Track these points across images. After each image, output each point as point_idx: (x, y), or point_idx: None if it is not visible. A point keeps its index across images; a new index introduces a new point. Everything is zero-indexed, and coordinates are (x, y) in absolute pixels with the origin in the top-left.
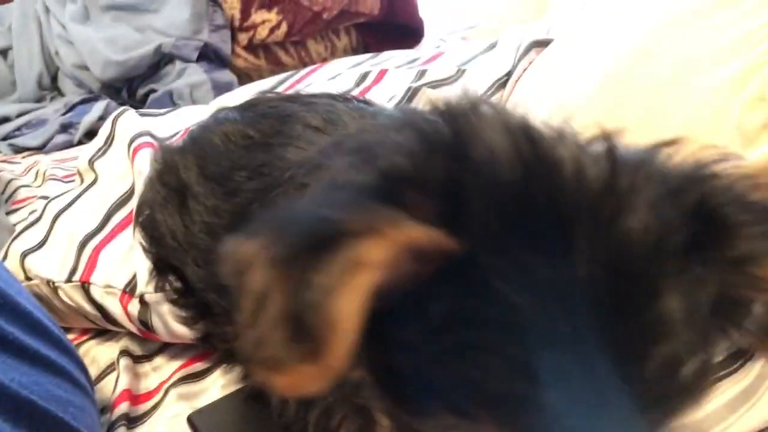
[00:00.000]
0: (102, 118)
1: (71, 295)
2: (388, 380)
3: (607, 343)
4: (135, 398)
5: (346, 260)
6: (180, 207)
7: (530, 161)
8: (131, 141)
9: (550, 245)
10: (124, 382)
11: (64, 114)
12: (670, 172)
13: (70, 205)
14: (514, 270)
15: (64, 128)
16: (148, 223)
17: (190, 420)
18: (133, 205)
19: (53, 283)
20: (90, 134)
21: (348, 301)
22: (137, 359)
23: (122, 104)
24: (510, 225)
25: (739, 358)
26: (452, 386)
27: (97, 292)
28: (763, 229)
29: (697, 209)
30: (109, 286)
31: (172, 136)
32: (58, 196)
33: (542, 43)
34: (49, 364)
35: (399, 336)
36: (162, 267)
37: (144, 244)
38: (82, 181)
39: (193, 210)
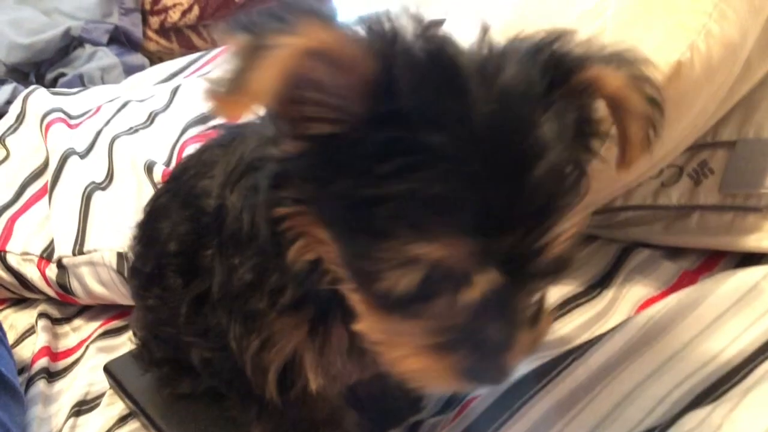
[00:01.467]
0: (9, 102)
1: None
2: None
3: (504, 159)
4: (54, 355)
5: (276, 42)
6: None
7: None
8: (43, 117)
9: (454, 96)
10: (42, 340)
11: None
12: (531, 42)
13: None
14: (431, 114)
15: None
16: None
17: (107, 368)
18: (47, 177)
19: None
20: None
21: (270, 64)
22: (56, 321)
23: None
24: (425, 88)
25: (596, 287)
26: (398, 202)
27: (13, 260)
28: (600, 58)
29: (552, 60)
30: (26, 253)
31: (84, 114)
32: None
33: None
34: None
35: (352, 165)
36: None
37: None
38: None
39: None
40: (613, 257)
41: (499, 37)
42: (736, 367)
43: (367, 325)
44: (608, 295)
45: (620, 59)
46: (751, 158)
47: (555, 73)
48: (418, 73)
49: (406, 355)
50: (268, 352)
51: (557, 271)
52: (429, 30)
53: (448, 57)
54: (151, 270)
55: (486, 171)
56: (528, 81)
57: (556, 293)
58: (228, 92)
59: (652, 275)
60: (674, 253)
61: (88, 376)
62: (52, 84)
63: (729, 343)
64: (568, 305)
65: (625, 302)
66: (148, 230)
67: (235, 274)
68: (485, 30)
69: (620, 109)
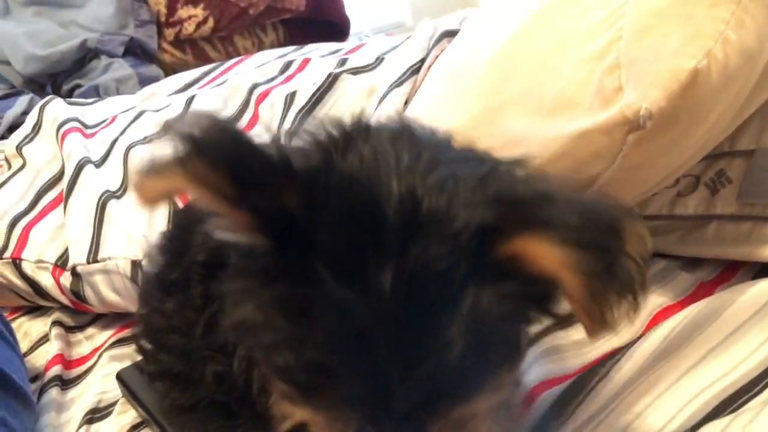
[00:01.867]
0: (25, 113)
1: (2, 272)
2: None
3: (392, 342)
4: (68, 363)
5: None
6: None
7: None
8: (59, 126)
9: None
10: (56, 348)
11: None
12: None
13: None
14: (336, 268)
15: None
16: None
17: (119, 377)
18: (62, 186)
19: None
20: (12, 129)
21: (154, 183)
22: (70, 329)
23: None
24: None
25: None
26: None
27: (28, 268)
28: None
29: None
30: (41, 261)
31: (99, 123)
32: None
33: (453, 33)
34: None
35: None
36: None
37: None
38: (9, 167)
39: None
40: None
41: (514, 43)
42: (755, 379)
43: None
44: None
45: (564, 221)
46: None
47: (488, 233)
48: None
49: None
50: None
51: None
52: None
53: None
54: (176, 277)
55: (364, 352)
56: (448, 251)
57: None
58: (137, 184)
59: (669, 285)
60: (691, 263)
61: (100, 384)
62: (68, 95)
63: (749, 355)
64: None
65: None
66: (178, 240)
67: None
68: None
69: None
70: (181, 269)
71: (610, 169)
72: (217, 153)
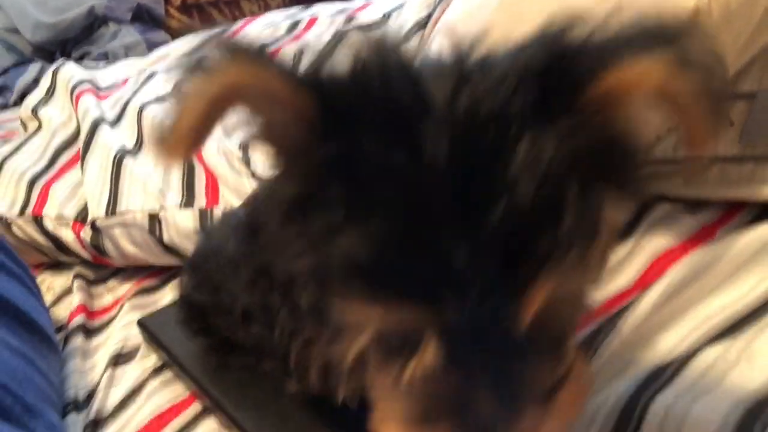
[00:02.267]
0: (36, 81)
1: (24, 228)
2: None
3: (457, 197)
4: (91, 314)
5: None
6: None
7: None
8: (73, 88)
9: (392, 130)
10: (78, 299)
11: None
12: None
13: (16, 150)
14: (366, 155)
15: None
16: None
17: (141, 323)
18: (78, 146)
19: (6, 218)
20: (24, 97)
21: (195, 102)
22: (91, 283)
23: None
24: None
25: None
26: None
27: (49, 224)
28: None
29: (551, 69)
30: (61, 217)
31: (112, 86)
32: (3, 144)
33: None
34: (8, 270)
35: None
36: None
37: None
38: (26, 129)
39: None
40: (633, 210)
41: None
42: (755, 310)
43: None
44: (627, 246)
45: (648, 39)
46: None
47: (556, 86)
48: (349, 105)
49: (392, 428)
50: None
51: (550, 340)
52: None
53: (383, 82)
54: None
55: (431, 223)
56: (502, 104)
57: None
58: (161, 139)
59: (672, 228)
60: (694, 206)
61: (123, 331)
62: (78, 62)
63: (748, 291)
64: None
65: (644, 253)
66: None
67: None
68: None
69: (672, 104)
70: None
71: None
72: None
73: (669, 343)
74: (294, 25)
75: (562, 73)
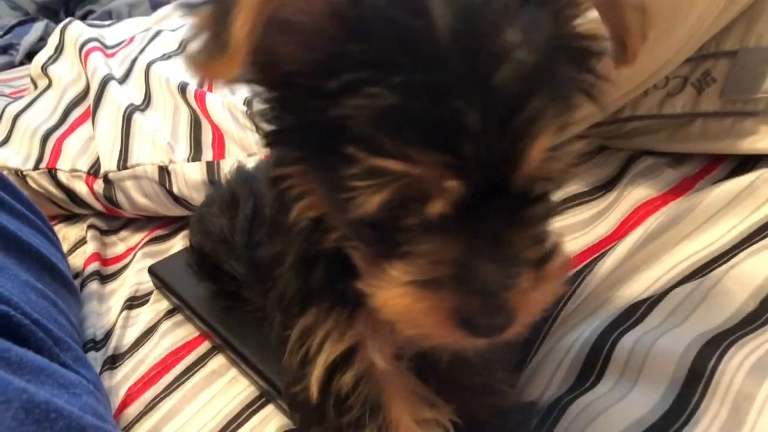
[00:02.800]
0: (42, 39)
1: (39, 181)
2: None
3: (464, 65)
4: (105, 261)
5: None
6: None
7: None
8: (81, 46)
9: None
10: (92, 248)
11: (1, 36)
12: None
13: (28, 107)
14: (389, 28)
15: (4, 50)
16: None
17: (152, 270)
18: (88, 102)
19: (21, 172)
20: (30, 55)
21: (244, 13)
22: (104, 233)
23: None
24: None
25: (601, 189)
26: (358, 120)
27: (63, 177)
28: None
29: None
30: (75, 170)
31: (119, 44)
32: (14, 101)
33: None
34: (27, 219)
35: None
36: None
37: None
38: (36, 86)
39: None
40: (619, 164)
41: None
42: (723, 254)
43: (366, 280)
44: (611, 196)
45: None
46: (751, 65)
47: None
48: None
49: (393, 295)
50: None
51: (547, 191)
52: None
53: None
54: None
55: (444, 79)
56: None
57: (560, 192)
58: (212, 55)
59: (654, 180)
60: (677, 160)
61: (136, 277)
62: (81, 20)
63: (722, 235)
64: (572, 202)
65: (625, 202)
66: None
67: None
68: None
69: (611, 4)
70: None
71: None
72: None
73: (642, 285)
74: None
75: None
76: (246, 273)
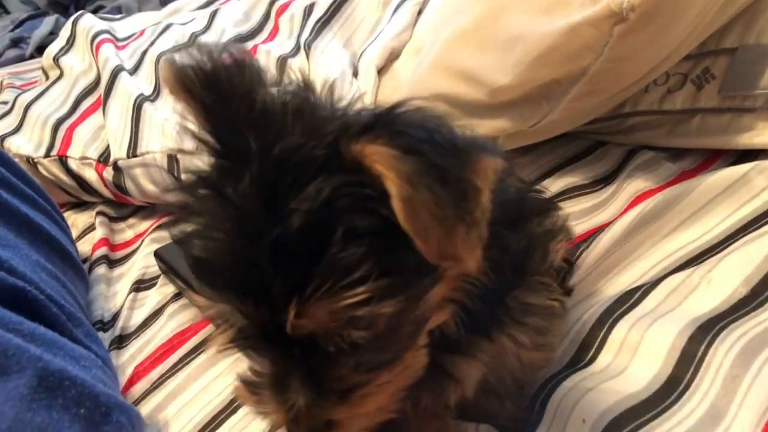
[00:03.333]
0: (53, 33)
1: (50, 168)
2: None
3: (251, 223)
4: (113, 246)
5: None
6: None
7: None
8: (93, 38)
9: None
10: (101, 233)
11: (12, 30)
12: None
13: (39, 96)
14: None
15: (15, 43)
16: None
17: (157, 254)
18: (99, 92)
19: (33, 159)
20: (41, 49)
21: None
22: (113, 219)
23: None
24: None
25: (601, 182)
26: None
27: (74, 164)
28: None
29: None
30: (85, 158)
31: (129, 37)
32: (26, 90)
33: None
34: (38, 204)
35: None
36: None
37: None
38: (47, 77)
39: None
40: (619, 158)
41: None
42: (719, 242)
43: None
44: (610, 189)
45: (408, 134)
46: (750, 62)
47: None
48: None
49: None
50: None
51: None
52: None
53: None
54: None
55: (236, 233)
56: (303, 152)
57: (561, 183)
58: None
59: (653, 173)
60: (676, 154)
61: (144, 261)
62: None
63: (716, 224)
64: (572, 192)
65: (624, 194)
66: None
67: None
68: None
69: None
70: None
71: (599, 60)
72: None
73: (637, 273)
74: None
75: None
76: None
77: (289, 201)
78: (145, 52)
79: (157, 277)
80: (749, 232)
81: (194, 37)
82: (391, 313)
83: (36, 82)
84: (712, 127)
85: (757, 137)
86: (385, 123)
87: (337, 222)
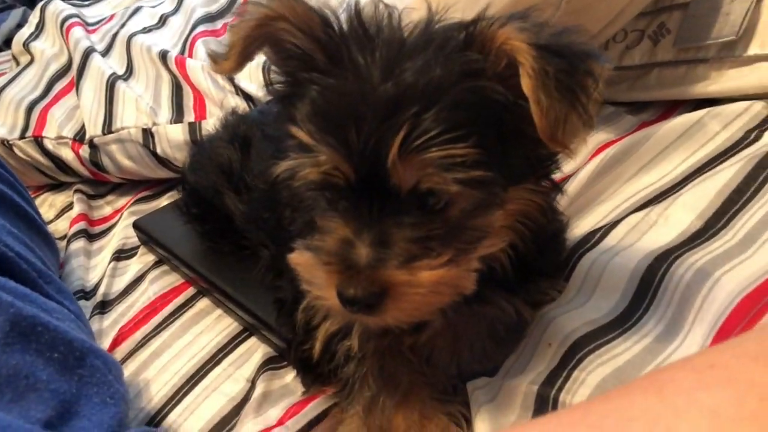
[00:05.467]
0: (20, 25)
1: (26, 150)
2: None
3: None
4: (91, 222)
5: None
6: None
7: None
8: (63, 21)
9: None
10: (78, 209)
11: None
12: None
13: (11, 81)
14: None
15: None
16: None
17: (136, 225)
18: (72, 74)
19: (8, 141)
20: (8, 42)
21: (241, 29)
22: (91, 197)
23: None
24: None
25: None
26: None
27: (50, 144)
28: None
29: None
30: (60, 137)
31: (99, 21)
32: None
33: None
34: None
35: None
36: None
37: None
38: (18, 63)
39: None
40: None
41: None
42: (677, 183)
43: (297, 241)
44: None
45: (540, 32)
46: (702, 14)
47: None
48: (338, 32)
49: (297, 255)
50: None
51: (422, 203)
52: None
53: (362, 25)
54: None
55: (349, 89)
56: (422, 45)
57: None
58: (218, 56)
59: (614, 125)
60: (637, 108)
61: (124, 232)
62: None
63: (674, 167)
64: None
65: (585, 147)
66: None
67: None
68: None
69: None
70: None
71: (557, 14)
72: None
73: (599, 215)
74: None
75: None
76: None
77: (405, 64)
78: (115, 35)
79: (137, 247)
80: (704, 172)
81: (164, 18)
82: (472, 195)
83: (5, 73)
84: (669, 80)
85: (711, 86)
86: (519, 18)
87: (448, 88)
